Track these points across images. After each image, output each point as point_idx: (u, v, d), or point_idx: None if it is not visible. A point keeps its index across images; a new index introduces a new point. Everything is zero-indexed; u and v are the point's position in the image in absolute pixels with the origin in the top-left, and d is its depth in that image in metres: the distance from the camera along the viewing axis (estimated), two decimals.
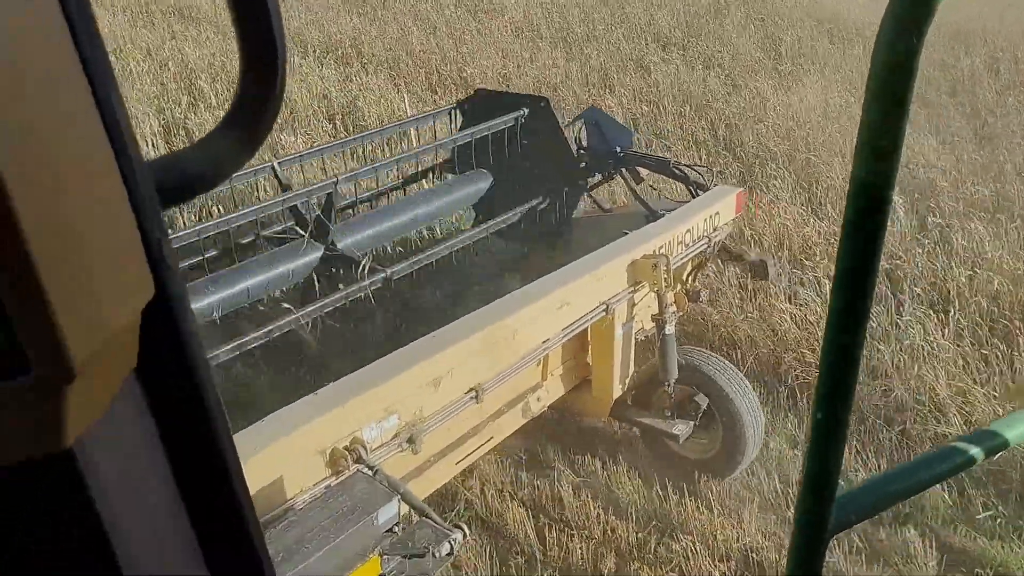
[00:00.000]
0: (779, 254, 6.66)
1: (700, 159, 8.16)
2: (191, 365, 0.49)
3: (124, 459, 0.46)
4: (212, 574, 0.54)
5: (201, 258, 4.28)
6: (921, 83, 10.07)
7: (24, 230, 0.34)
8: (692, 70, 11.02)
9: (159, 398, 0.48)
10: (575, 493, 4.75)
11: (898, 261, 6.52)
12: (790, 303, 6.11)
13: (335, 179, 4.68)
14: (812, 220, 7.30)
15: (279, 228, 4.83)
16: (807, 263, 6.58)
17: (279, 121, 9.38)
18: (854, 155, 0.64)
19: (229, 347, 3.58)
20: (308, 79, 10.51)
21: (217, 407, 0.51)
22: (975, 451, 0.80)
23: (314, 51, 11.70)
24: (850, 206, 0.65)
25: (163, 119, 9.22)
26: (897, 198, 7.13)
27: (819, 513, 0.75)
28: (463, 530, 2.85)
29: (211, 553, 0.53)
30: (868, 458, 4.95)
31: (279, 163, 4.86)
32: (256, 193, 5.77)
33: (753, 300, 6.21)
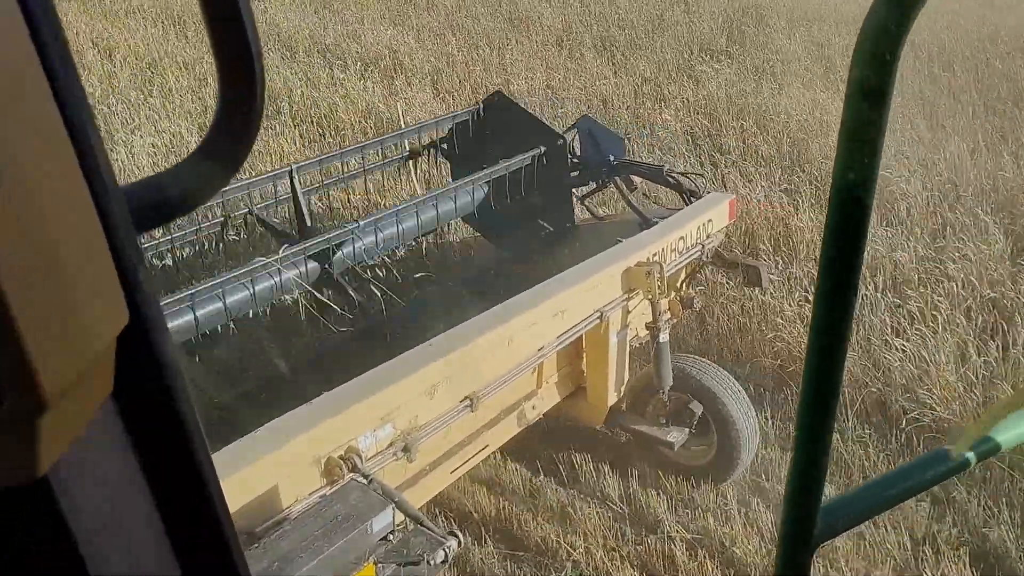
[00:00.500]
0: (870, 282, 6.13)
1: (773, 178, 7.76)
2: (169, 389, 0.49)
3: (101, 484, 0.46)
4: None
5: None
6: (984, 92, 9.62)
7: None
8: (744, 79, 10.63)
9: (136, 422, 0.48)
10: (689, 552, 4.46)
11: (1003, 289, 5.92)
12: (898, 336, 5.68)
13: (356, 224, 4.62)
14: (903, 243, 6.62)
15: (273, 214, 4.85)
16: (909, 292, 6.01)
17: (327, 129, 9.12)
18: (836, 153, 0.65)
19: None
20: (351, 94, 10.23)
21: (196, 430, 0.51)
22: (965, 456, 0.81)
23: (354, 64, 11.44)
24: (832, 205, 0.66)
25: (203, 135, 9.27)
26: (987, 218, 6.71)
27: (804, 521, 0.75)
28: (457, 537, 2.85)
29: (191, 573, 0.53)
30: None
31: (297, 167, 4.88)
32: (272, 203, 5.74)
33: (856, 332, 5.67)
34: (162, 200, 0.50)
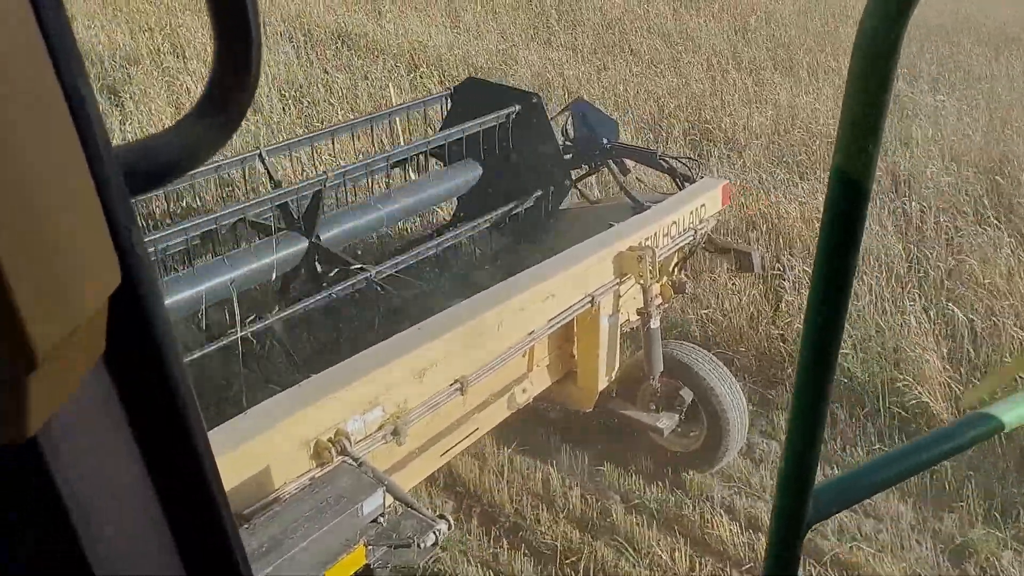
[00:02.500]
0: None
1: None
2: (160, 350, 0.49)
3: (91, 444, 0.46)
4: (182, 558, 0.53)
5: (185, 247, 4.24)
6: None
7: None
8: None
9: (127, 383, 0.48)
10: None
11: None
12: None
13: (324, 176, 4.64)
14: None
15: (264, 217, 4.79)
16: None
17: None
18: (835, 144, 0.65)
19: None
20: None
21: (187, 392, 0.51)
22: (961, 439, 0.81)
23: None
24: (830, 197, 0.66)
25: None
26: None
27: (797, 502, 0.75)
28: (447, 520, 2.86)
29: (181, 537, 0.53)
30: None
31: (267, 151, 4.83)
32: (242, 185, 5.72)
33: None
34: (155, 163, 0.50)
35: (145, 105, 9.29)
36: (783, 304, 6.07)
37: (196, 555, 0.54)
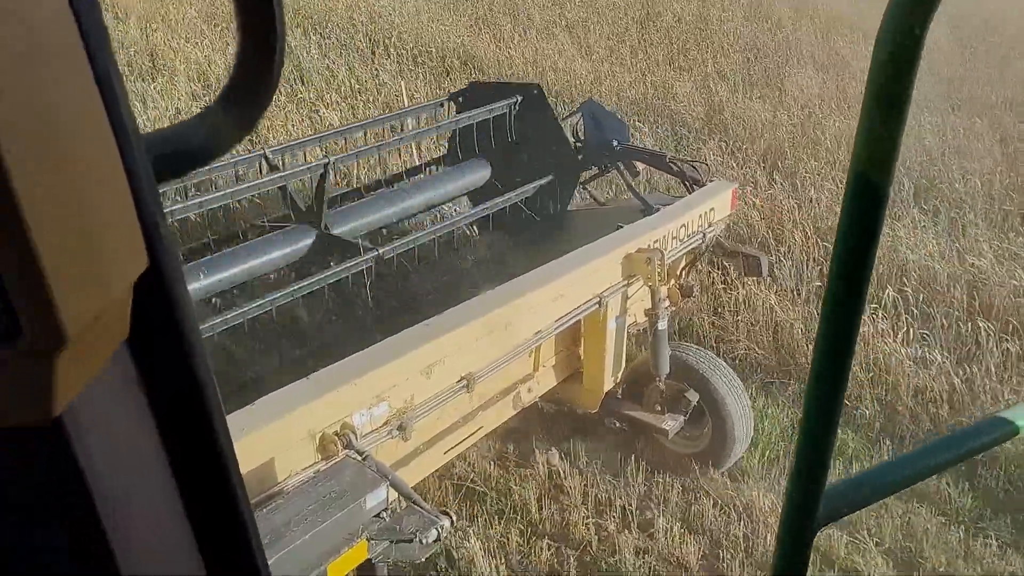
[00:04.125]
0: None
1: None
2: (183, 336, 0.49)
3: (113, 428, 0.46)
4: (199, 542, 0.54)
5: (192, 244, 4.27)
6: None
7: (21, 198, 0.34)
8: None
9: (150, 368, 0.48)
10: None
11: None
12: None
13: (327, 160, 4.67)
14: None
15: (273, 217, 4.81)
16: None
17: None
18: (853, 150, 0.65)
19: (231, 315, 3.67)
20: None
21: (208, 378, 0.51)
22: (975, 442, 0.80)
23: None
24: (847, 203, 0.66)
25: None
26: None
27: (808, 503, 0.75)
28: (450, 517, 2.86)
29: (198, 521, 0.53)
30: None
31: (270, 151, 4.84)
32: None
33: None
34: (181, 151, 0.50)
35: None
36: None
37: (212, 536, 0.54)
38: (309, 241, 4.58)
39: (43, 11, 0.36)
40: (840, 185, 7.77)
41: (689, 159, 5.52)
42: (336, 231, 4.69)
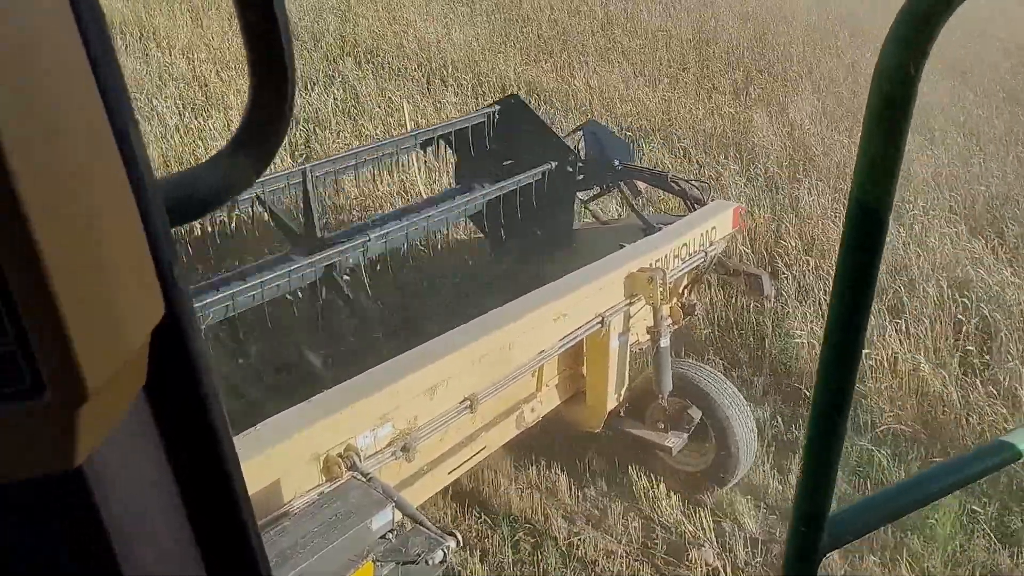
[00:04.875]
0: None
1: None
2: (199, 383, 0.50)
3: (131, 475, 0.47)
4: None
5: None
6: None
7: (45, 258, 0.35)
8: None
9: (166, 415, 0.49)
10: None
11: None
12: None
13: (303, 166, 4.74)
14: None
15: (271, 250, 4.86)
16: None
17: None
18: (853, 176, 0.66)
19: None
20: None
21: (223, 425, 0.52)
22: (979, 466, 0.81)
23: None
24: (848, 229, 0.67)
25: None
26: None
27: (812, 530, 0.76)
28: (456, 537, 2.86)
29: (212, 564, 0.54)
30: None
31: (310, 167, 4.90)
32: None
33: None
34: (194, 195, 0.51)
35: None
36: None
37: (224, 573, 0.55)
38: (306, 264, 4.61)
39: (56, 60, 0.37)
40: (947, 226, 7.42)
41: (691, 178, 5.54)
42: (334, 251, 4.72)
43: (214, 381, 0.51)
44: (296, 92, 0.52)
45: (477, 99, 10.40)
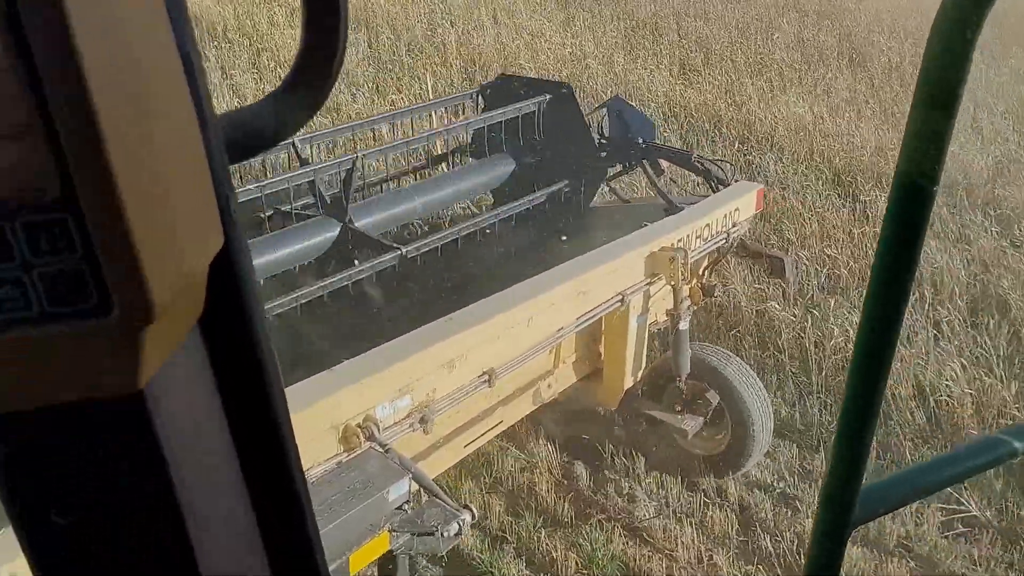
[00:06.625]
0: None
1: None
2: (250, 317, 0.51)
3: (185, 404, 0.48)
4: (259, 517, 0.56)
5: None
6: None
7: (116, 175, 0.35)
8: None
9: (218, 347, 0.50)
10: None
11: None
12: None
13: (355, 155, 4.69)
14: None
15: (298, 204, 4.82)
16: None
17: None
18: (900, 150, 0.65)
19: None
20: None
21: (272, 360, 0.53)
22: (1012, 446, 0.80)
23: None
24: (892, 203, 0.66)
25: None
26: None
27: (844, 503, 0.75)
28: (471, 511, 2.88)
29: (258, 497, 0.56)
30: None
31: (299, 140, 4.87)
32: (270, 171, 5.79)
33: None
34: (249, 133, 0.52)
35: None
36: None
37: (269, 507, 0.56)
38: (333, 235, 4.60)
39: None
40: None
41: (715, 158, 5.50)
42: (360, 223, 4.71)
43: (265, 317, 0.52)
44: (347, 33, 0.52)
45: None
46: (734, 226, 4.69)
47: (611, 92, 9.50)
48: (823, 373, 5.50)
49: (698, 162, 5.12)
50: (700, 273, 4.87)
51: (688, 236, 4.41)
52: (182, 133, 0.41)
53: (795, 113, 9.29)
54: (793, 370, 5.67)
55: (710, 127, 9.07)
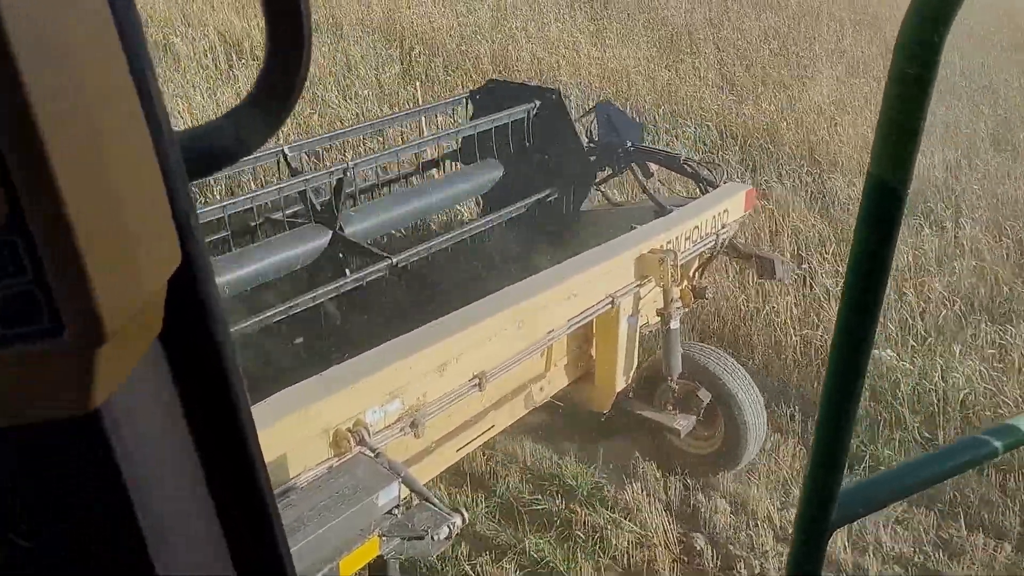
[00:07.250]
0: None
1: None
2: (213, 333, 0.50)
3: (146, 422, 0.47)
4: (226, 534, 0.55)
5: (207, 241, 4.27)
6: None
7: (65, 196, 0.35)
8: None
9: (181, 364, 0.50)
10: None
11: None
12: None
13: (346, 164, 4.68)
14: None
15: (288, 212, 4.81)
16: None
17: None
18: (871, 151, 0.65)
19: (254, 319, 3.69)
20: None
21: (236, 375, 0.52)
22: (992, 446, 0.80)
23: None
24: (865, 203, 0.66)
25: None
26: None
27: (823, 505, 0.75)
28: (462, 514, 2.87)
29: (225, 514, 0.55)
30: None
31: (289, 148, 4.85)
32: (262, 178, 5.77)
33: None
34: (211, 149, 0.51)
35: None
36: None
37: (237, 526, 0.55)
38: (324, 242, 4.59)
39: (80, 7, 0.37)
40: None
41: (703, 160, 5.51)
42: (351, 231, 4.70)
43: (228, 330, 0.52)
44: (311, 47, 0.51)
45: (718, 149, 8.45)
46: (723, 227, 4.70)
47: (663, 110, 9.24)
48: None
49: (686, 164, 5.13)
50: (691, 275, 4.88)
51: (677, 238, 4.42)
52: (135, 152, 0.41)
53: (861, 133, 8.78)
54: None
55: (774, 148, 8.63)
